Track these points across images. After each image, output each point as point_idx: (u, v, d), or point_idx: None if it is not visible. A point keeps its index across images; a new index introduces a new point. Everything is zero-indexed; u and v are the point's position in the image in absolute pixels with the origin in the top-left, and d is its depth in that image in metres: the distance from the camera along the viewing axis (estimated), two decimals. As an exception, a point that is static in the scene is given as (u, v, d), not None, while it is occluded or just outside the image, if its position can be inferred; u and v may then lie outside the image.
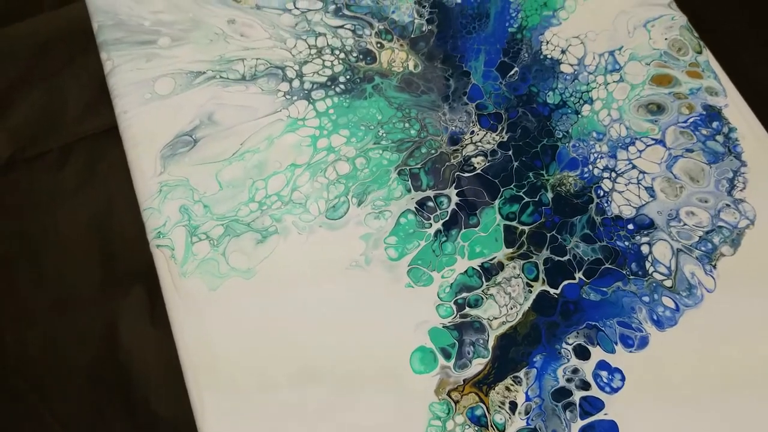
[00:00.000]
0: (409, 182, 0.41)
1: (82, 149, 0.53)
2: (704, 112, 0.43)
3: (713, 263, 0.39)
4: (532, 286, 0.39)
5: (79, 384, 0.47)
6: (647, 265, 0.39)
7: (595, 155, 0.42)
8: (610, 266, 0.39)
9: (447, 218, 0.40)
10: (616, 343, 0.37)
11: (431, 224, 0.40)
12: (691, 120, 0.43)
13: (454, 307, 0.38)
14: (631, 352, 0.37)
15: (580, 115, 0.43)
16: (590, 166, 0.42)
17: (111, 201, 0.50)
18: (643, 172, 0.42)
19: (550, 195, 0.41)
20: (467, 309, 0.38)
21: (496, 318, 0.38)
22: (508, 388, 0.36)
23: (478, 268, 0.39)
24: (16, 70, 0.56)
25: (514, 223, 0.40)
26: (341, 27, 0.46)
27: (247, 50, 0.46)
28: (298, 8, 0.47)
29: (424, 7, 0.47)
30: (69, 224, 0.50)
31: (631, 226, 0.40)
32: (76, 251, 0.49)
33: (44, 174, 0.52)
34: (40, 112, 0.55)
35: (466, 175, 0.42)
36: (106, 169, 0.52)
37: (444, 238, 0.40)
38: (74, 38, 0.56)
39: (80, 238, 0.49)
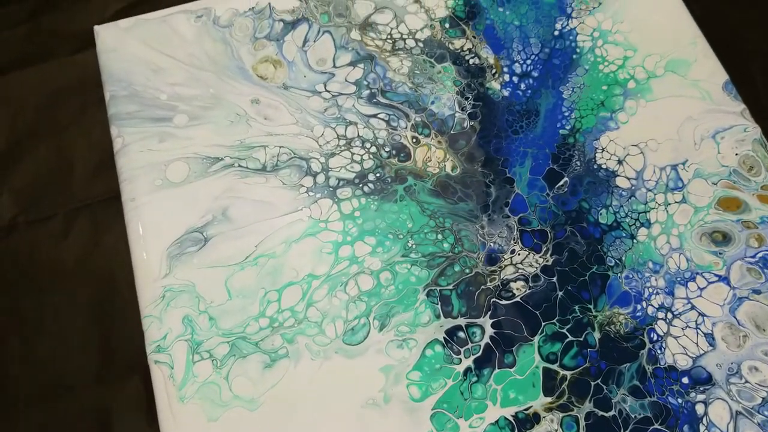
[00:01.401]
0: (439, 306, 0.37)
1: (88, 216, 0.49)
2: (776, 246, 0.38)
3: (779, 432, 0.34)
4: (570, 446, 0.34)
5: (66, 478, 0.43)
6: (701, 428, 0.34)
7: (651, 290, 0.37)
8: (659, 427, 0.34)
9: (479, 354, 0.36)
10: None
11: (461, 360, 0.36)
12: (760, 255, 0.38)
13: (480, 465, 0.34)
14: None
15: (635, 241, 0.39)
16: (644, 303, 0.37)
17: (114, 280, 0.47)
18: (703, 315, 0.37)
19: (597, 335, 0.36)
20: (496, 468, 0.34)
21: (527, 482, 0.33)
22: None
23: (511, 419, 0.35)
24: (25, 121, 0.53)
25: (554, 367, 0.36)
26: (374, 116, 0.42)
27: (270, 136, 0.42)
28: (329, 91, 0.43)
29: (467, 98, 0.43)
30: (68, 304, 0.46)
31: (685, 380, 0.35)
32: (74, 334, 0.46)
33: (46, 242, 0.48)
34: (47, 170, 0.51)
35: (504, 302, 0.37)
36: (111, 242, 0.48)
37: (474, 378, 0.35)
38: (86, 88, 0.52)
39: (79, 321, 0.46)
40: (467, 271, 0.38)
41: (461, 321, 0.37)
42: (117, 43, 0.44)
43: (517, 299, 0.37)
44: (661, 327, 0.37)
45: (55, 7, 0.57)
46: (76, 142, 0.52)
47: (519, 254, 0.38)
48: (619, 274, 0.38)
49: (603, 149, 0.41)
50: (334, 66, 0.43)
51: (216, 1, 0.45)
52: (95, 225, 0.49)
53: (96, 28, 0.46)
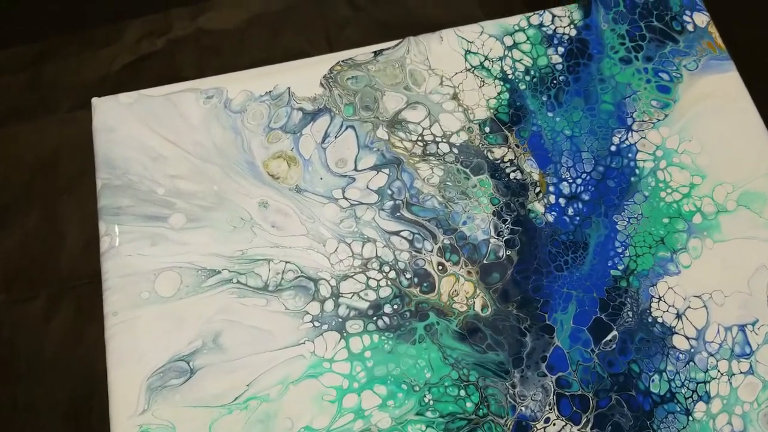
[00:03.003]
0: (455, 482, 0.32)
1: (73, 301, 0.44)
2: None
3: None
4: None
5: None
6: None
7: (707, 485, 0.32)
8: None
9: None
10: None
11: None
12: (841, 449, 0.32)
13: None
14: None
15: (691, 418, 0.33)
16: (698, 502, 0.31)
17: (94, 378, 0.42)
18: None
19: None
20: None
21: None
22: None
23: None
24: (18, 182, 0.48)
25: None
26: (396, 233, 0.37)
27: (277, 248, 0.36)
28: (347, 198, 0.37)
29: (504, 221, 0.37)
30: (44, 400, 0.42)
31: None
32: (47, 438, 0.41)
33: (26, 325, 0.44)
34: (35, 242, 0.46)
35: (531, 484, 0.32)
36: (94, 334, 0.43)
37: None
38: (84, 151, 0.47)
39: (53, 421, 0.41)
40: (491, 439, 0.32)
41: (479, 503, 0.31)
42: (115, 121, 0.40)
43: (548, 482, 0.32)
44: None
45: (60, 54, 0.52)
46: (69, 212, 0.47)
47: (554, 424, 0.33)
48: (670, 461, 0.32)
49: (660, 298, 0.35)
50: (356, 169, 0.38)
51: (229, 81, 0.40)
52: (80, 312, 0.44)
53: (94, 101, 0.41)
